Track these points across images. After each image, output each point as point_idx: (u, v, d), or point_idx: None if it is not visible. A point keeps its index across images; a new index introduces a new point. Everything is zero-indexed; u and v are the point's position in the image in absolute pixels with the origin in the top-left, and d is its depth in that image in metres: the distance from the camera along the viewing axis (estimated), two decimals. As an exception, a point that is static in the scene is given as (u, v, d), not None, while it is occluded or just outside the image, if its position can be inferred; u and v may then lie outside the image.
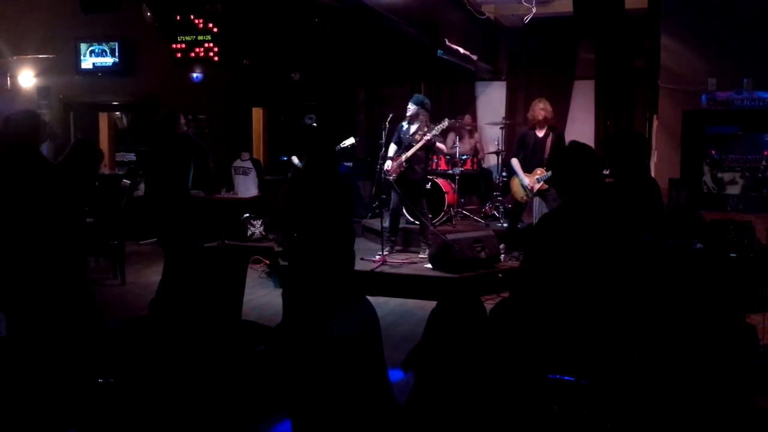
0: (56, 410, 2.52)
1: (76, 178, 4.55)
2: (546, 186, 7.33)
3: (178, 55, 10.20)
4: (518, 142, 7.56)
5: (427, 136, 7.39)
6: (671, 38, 7.01)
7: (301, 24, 8.47)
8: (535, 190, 7.33)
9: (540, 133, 7.33)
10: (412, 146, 7.33)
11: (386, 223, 7.73)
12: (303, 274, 4.61)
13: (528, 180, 7.31)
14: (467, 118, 9.37)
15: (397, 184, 7.40)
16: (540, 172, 7.30)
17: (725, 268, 4.72)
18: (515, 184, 7.57)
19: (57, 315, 3.92)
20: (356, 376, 2.62)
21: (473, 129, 9.61)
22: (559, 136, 7.48)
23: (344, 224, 4.95)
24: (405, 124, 7.49)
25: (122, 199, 7.49)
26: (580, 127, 9.49)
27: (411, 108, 7.40)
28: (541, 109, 7.28)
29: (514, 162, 7.47)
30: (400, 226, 7.89)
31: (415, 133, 7.37)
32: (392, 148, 7.59)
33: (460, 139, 9.05)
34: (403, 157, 7.34)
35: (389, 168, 7.44)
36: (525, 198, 7.49)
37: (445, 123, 7.73)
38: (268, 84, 10.19)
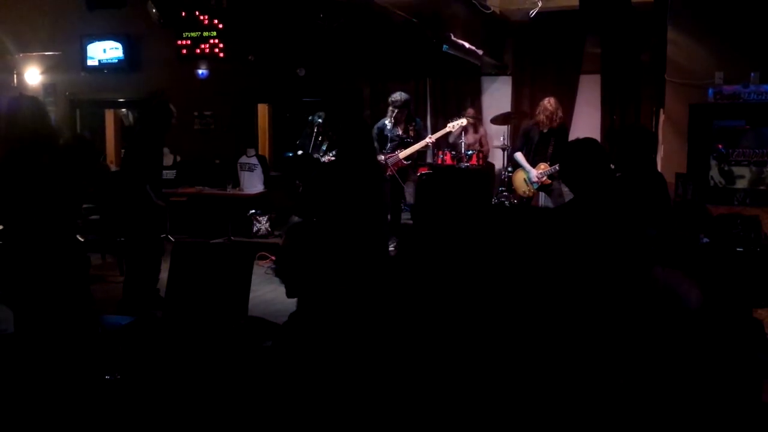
0: (63, 407, 2.54)
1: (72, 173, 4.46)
2: (549, 181, 7.42)
3: (184, 51, 10.20)
4: (522, 136, 7.65)
5: (444, 130, 7.56)
6: (678, 32, 6.97)
7: (306, 20, 8.46)
8: (539, 184, 7.43)
9: (544, 129, 7.41)
10: (408, 143, 7.40)
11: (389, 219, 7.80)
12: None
13: (534, 173, 7.39)
14: (470, 110, 9.38)
15: (395, 181, 7.47)
16: (543, 167, 7.40)
17: (732, 263, 4.70)
18: (518, 179, 7.67)
19: (61, 309, 3.94)
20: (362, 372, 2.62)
21: (478, 123, 9.60)
22: (564, 131, 7.57)
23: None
24: (388, 124, 7.54)
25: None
26: (587, 122, 9.46)
27: (399, 109, 7.44)
28: (555, 111, 7.33)
29: (519, 155, 7.56)
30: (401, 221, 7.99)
31: (405, 130, 7.45)
32: None
33: (465, 133, 9.05)
34: (402, 155, 7.41)
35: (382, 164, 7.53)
36: (527, 192, 7.58)
37: (463, 121, 7.82)
38: (274, 80, 10.19)
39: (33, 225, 4.13)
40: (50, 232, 4.16)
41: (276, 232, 9.01)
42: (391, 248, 7.57)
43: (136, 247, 6.21)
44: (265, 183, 9.40)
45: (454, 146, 9.17)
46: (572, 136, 9.26)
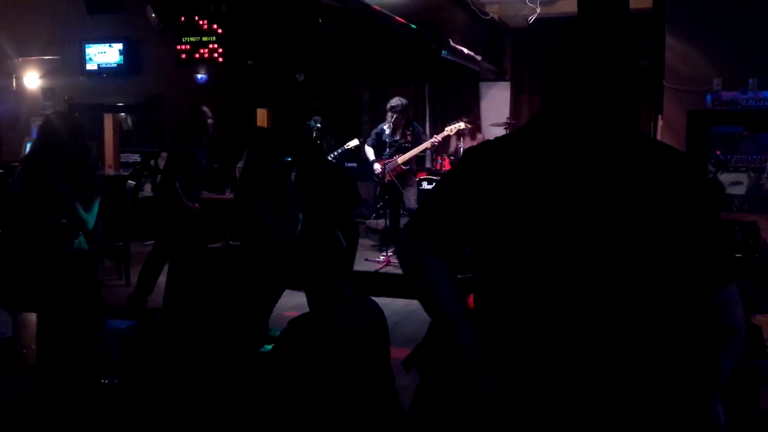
0: (59, 410, 2.53)
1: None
2: None
3: (183, 56, 10.22)
4: None
5: (444, 133, 7.55)
6: (676, 38, 6.99)
7: (305, 24, 8.48)
8: None
9: None
10: (406, 148, 7.41)
11: (388, 224, 7.79)
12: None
13: None
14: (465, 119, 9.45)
15: (394, 186, 7.47)
16: None
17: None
18: None
19: (62, 312, 3.93)
20: (361, 376, 2.62)
21: (477, 130, 9.62)
22: None
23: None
24: (387, 129, 7.56)
25: (127, 200, 7.51)
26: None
27: (398, 115, 7.47)
28: None
29: None
30: (401, 226, 7.98)
31: (403, 135, 7.47)
32: (370, 151, 7.69)
33: (462, 139, 9.08)
34: (400, 160, 7.42)
35: (379, 171, 7.51)
36: None
37: (461, 125, 7.81)
38: (273, 85, 10.20)
39: (32, 228, 4.13)
40: (50, 235, 4.17)
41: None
42: (390, 252, 7.61)
43: (157, 249, 6.26)
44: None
45: (455, 152, 9.19)
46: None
